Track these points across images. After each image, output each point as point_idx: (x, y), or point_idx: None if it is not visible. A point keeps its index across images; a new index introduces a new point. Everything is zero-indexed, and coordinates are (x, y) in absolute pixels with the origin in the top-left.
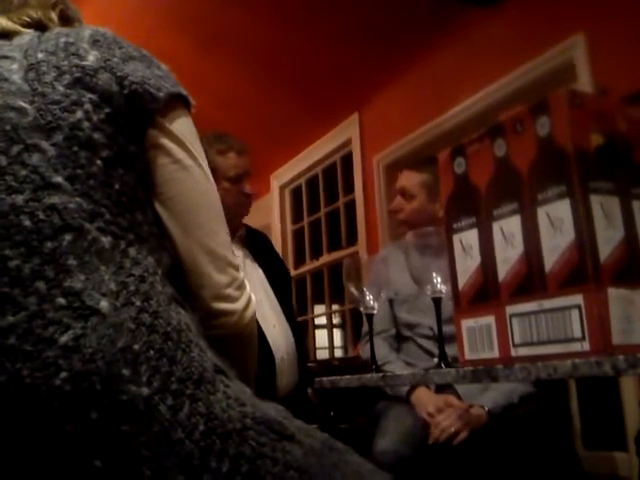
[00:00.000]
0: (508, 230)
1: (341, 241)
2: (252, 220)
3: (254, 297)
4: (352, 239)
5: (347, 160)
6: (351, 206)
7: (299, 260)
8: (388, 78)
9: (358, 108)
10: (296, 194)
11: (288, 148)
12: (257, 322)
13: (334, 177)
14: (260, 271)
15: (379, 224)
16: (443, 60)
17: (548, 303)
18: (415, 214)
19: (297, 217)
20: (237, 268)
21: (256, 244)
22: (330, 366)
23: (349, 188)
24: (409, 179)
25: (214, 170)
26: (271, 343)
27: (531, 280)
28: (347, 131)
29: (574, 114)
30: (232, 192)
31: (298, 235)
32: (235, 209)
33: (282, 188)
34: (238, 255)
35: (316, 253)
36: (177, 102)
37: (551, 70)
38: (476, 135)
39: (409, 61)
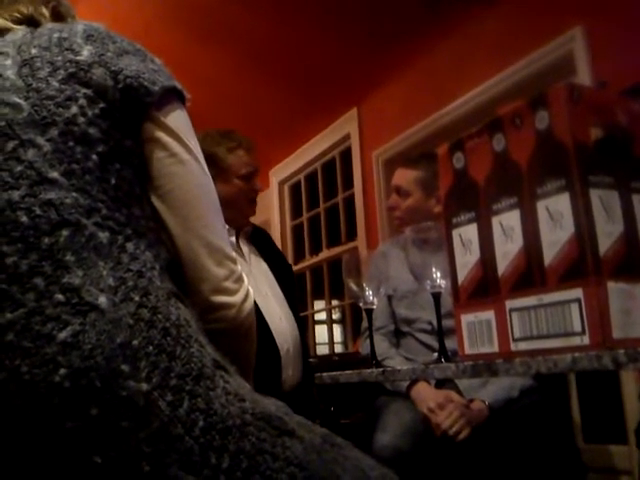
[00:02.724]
0: (507, 224)
1: (340, 236)
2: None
3: (252, 290)
4: (351, 234)
5: (346, 155)
6: (350, 201)
7: (298, 256)
8: (386, 73)
9: (357, 103)
10: (295, 190)
11: (287, 144)
12: (263, 315)
13: (333, 172)
14: (265, 265)
15: (378, 219)
16: (441, 55)
17: (548, 297)
18: (411, 211)
19: (296, 213)
20: (234, 261)
21: (260, 240)
22: (330, 362)
23: (348, 183)
24: (403, 176)
25: (226, 169)
26: (277, 336)
27: (531, 274)
28: (346, 126)
29: (573, 108)
30: (244, 190)
31: (297, 231)
32: (246, 206)
33: (281, 184)
34: (244, 250)
35: (315, 249)
36: (172, 96)
37: (550, 64)
38: (475, 130)
39: (407, 56)
